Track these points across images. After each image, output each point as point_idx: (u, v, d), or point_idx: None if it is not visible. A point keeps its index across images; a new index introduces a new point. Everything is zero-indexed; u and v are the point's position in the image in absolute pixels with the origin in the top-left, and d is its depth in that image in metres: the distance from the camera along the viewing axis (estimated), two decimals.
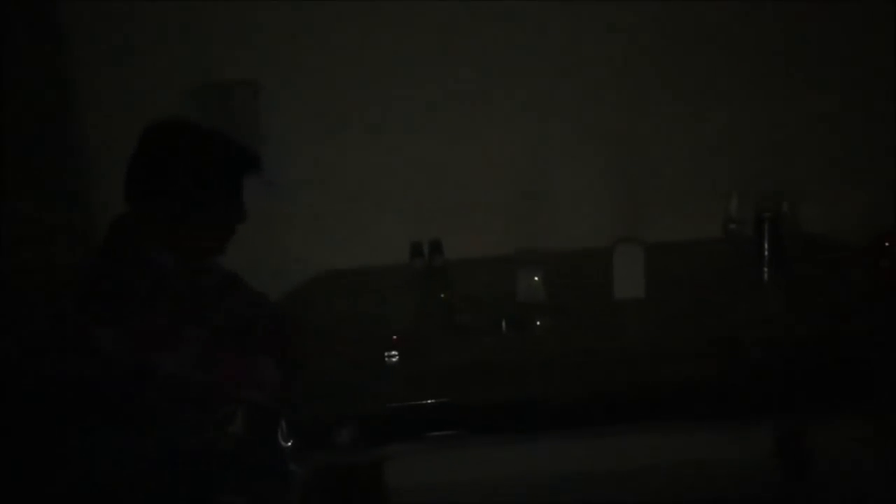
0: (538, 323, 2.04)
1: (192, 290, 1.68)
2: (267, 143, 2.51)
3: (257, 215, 1.84)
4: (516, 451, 2.60)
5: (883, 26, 2.68)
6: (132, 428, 1.52)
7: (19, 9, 2.34)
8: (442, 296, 2.15)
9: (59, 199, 2.43)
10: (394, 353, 1.83)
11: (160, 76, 2.60)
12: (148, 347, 1.51)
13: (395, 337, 1.90)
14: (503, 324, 2.01)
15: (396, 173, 2.74)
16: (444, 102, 2.71)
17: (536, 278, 2.12)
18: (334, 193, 2.72)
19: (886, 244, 2.04)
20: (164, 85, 2.58)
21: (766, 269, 2.31)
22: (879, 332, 1.86)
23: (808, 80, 2.75)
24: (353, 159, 2.72)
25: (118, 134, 2.51)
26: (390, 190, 2.75)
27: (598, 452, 2.68)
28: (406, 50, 2.67)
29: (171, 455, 1.54)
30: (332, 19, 2.64)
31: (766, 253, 2.32)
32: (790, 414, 1.98)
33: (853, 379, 1.80)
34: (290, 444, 1.51)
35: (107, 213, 2.28)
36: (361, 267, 2.66)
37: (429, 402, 1.72)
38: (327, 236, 2.71)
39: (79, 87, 2.60)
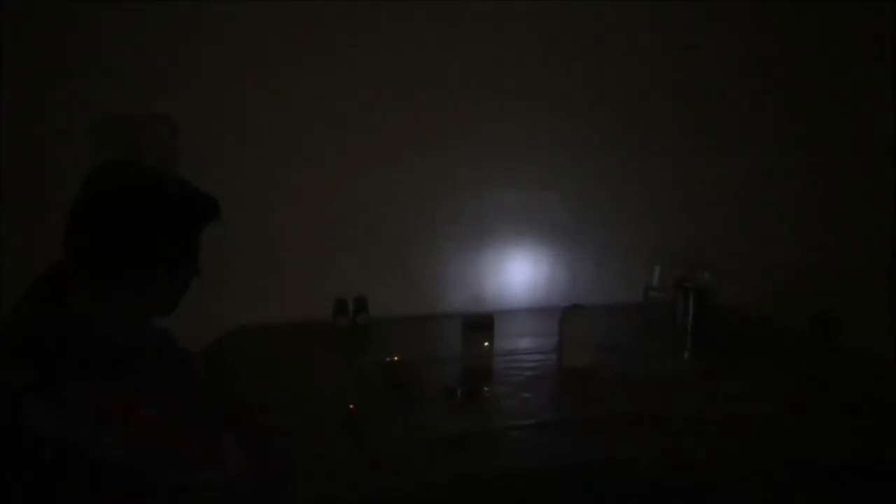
0: (486, 390, 1.97)
1: (130, 355, 1.45)
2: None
3: None
4: None
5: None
6: None
7: None
8: (394, 358, 2.02)
9: None
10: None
11: (65, 114, 2.35)
12: (81, 423, 1.26)
13: (350, 406, 1.76)
14: (458, 393, 1.91)
15: (321, 225, 2.60)
16: (371, 154, 2.62)
17: (486, 343, 2.05)
18: (249, 241, 2.50)
19: None
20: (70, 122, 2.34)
21: (688, 340, 2.36)
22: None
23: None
24: (274, 204, 2.55)
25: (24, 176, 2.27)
26: (312, 242, 2.59)
27: None
28: (348, 106, 2.58)
29: None
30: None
31: (690, 323, 2.37)
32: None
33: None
34: None
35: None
36: (279, 321, 2.47)
37: (394, 485, 1.57)
38: (239, 289, 2.50)
39: None
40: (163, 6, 2.38)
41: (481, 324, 2.05)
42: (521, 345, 2.32)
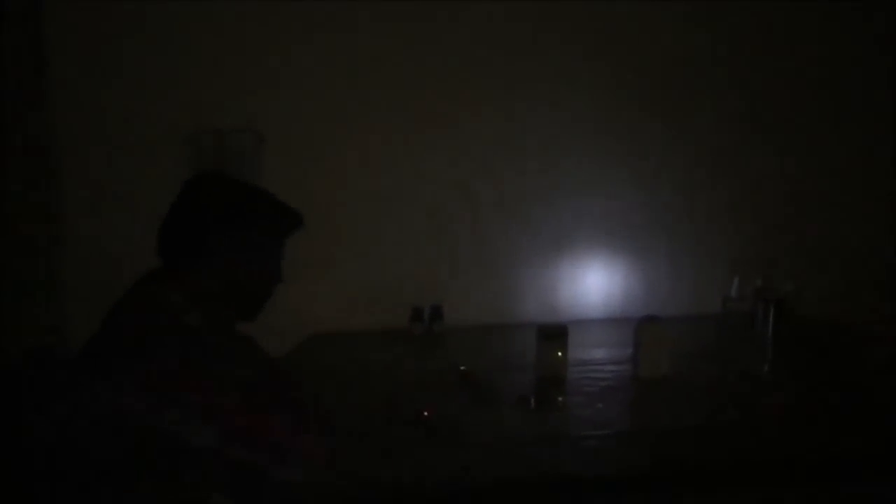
0: (560, 399, 1.97)
1: (220, 355, 1.52)
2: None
3: None
4: None
5: None
6: None
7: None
8: (462, 368, 2.05)
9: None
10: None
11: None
12: (181, 417, 1.33)
13: (425, 413, 1.80)
14: (531, 400, 1.93)
15: (392, 232, 2.66)
16: (447, 160, 2.67)
17: (560, 353, 2.06)
18: (325, 249, 2.57)
19: None
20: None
21: (768, 351, 2.32)
22: None
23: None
24: (347, 211, 2.62)
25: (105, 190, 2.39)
26: (386, 250, 2.65)
27: None
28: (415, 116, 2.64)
29: None
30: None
31: (769, 334, 2.34)
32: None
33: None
34: None
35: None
36: (356, 329, 2.53)
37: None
38: (317, 297, 2.56)
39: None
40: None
41: (555, 333, 2.05)
42: (596, 355, 2.31)
